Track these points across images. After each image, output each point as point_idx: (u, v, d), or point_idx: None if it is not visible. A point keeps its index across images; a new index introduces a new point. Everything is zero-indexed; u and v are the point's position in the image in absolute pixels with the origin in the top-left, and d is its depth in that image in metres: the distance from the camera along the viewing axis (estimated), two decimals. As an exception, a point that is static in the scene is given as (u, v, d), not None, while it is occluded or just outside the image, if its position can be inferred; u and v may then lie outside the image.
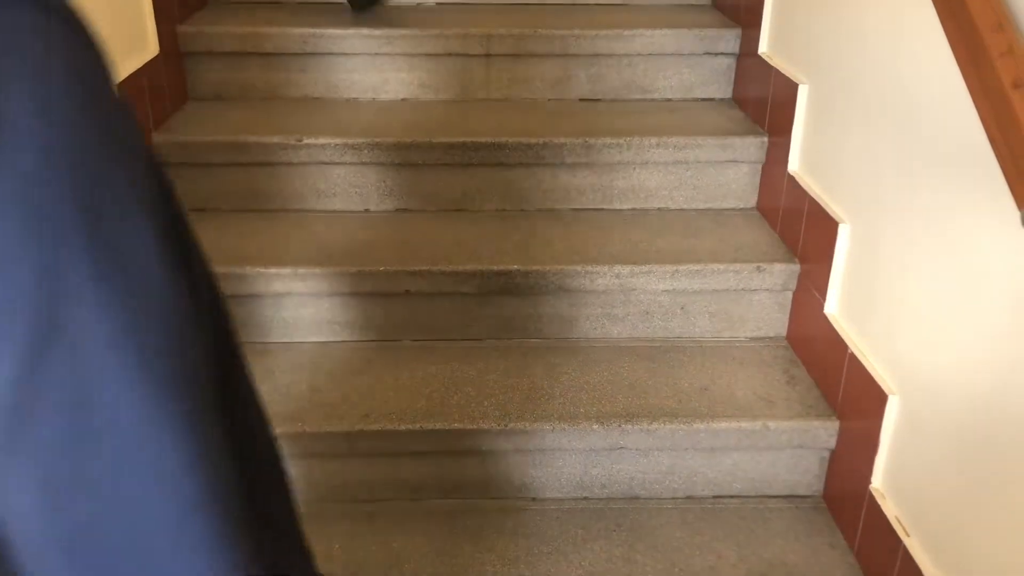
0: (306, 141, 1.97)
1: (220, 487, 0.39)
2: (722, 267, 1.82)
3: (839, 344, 1.63)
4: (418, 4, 2.41)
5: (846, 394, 1.60)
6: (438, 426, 1.61)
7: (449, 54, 2.19)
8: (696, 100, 2.25)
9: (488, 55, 2.19)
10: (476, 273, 1.82)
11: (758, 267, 1.82)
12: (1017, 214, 1.03)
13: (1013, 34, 1.03)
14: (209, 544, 0.39)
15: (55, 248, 0.35)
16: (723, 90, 2.25)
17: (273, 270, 1.80)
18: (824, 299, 1.70)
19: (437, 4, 2.42)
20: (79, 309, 0.36)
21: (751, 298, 1.86)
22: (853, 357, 1.58)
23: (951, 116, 1.27)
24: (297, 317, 1.84)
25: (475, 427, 1.61)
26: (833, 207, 1.69)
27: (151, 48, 2.00)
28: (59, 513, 0.37)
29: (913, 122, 1.40)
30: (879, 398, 1.47)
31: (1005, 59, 1.00)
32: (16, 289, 0.35)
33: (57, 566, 0.37)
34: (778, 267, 1.82)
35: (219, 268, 1.82)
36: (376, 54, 2.18)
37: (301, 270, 1.80)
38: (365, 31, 2.15)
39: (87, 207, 0.36)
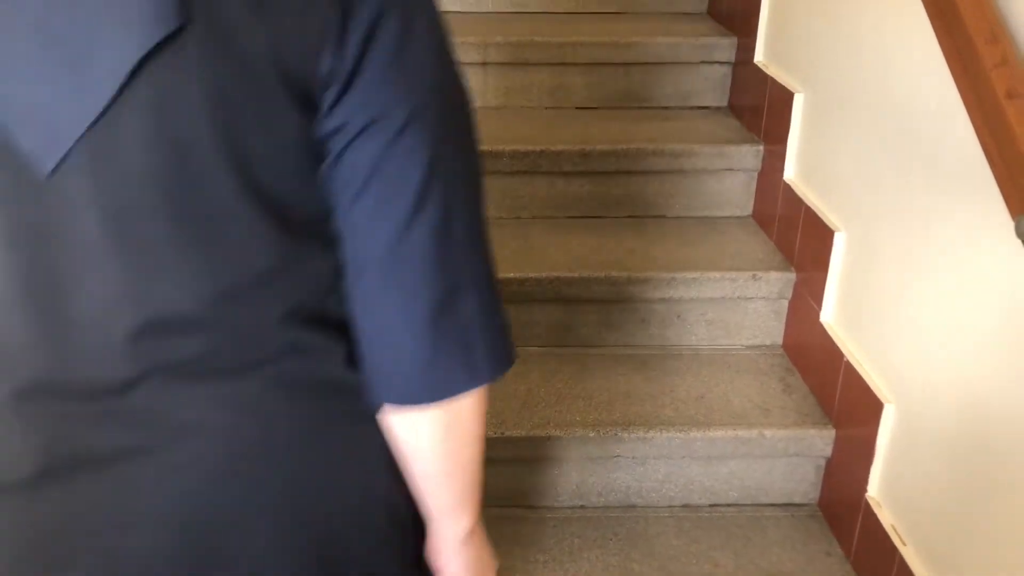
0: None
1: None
2: (718, 275, 1.82)
3: (835, 352, 1.63)
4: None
5: (842, 402, 1.61)
6: (434, 434, 1.61)
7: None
8: (693, 108, 2.26)
9: (485, 63, 2.19)
10: (472, 281, 1.81)
11: (754, 275, 1.82)
12: (1012, 224, 1.03)
13: (1007, 45, 1.03)
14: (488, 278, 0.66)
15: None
16: (719, 98, 2.26)
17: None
18: (820, 307, 1.70)
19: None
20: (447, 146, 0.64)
21: (747, 306, 1.86)
22: (849, 365, 1.58)
23: (946, 126, 1.28)
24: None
25: (471, 435, 1.61)
26: (829, 215, 1.70)
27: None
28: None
29: (908, 131, 1.40)
30: (875, 407, 1.48)
31: (999, 70, 1.00)
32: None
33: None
34: (774, 275, 1.82)
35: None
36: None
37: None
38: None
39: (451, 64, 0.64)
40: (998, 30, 1.06)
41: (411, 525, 0.76)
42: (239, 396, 0.64)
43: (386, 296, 0.63)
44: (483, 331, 0.65)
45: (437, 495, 0.74)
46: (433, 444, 0.69)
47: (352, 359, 0.67)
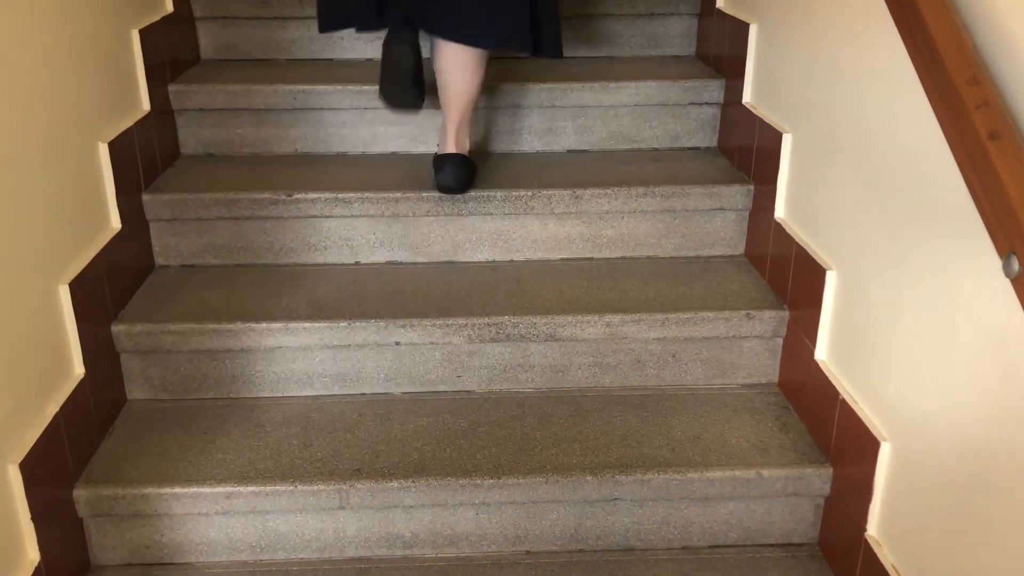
0: (297, 196, 1.99)
1: None
2: (712, 315, 1.83)
3: (830, 390, 1.63)
4: (407, 59, 2.44)
5: (838, 440, 1.60)
6: (430, 480, 1.60)
7: (438, 107, 2.21)
8: (682, 149, 2.28)
9: (476, 107, 2.22)
10: (467, 324, 1.82)
11: (748, 314, 1.83)
12: (998, 259, 1.04)
13: (988, 87, 1.05)
14: None
15: None
16: (708, 139, 2.28)
17: (263, 325, 1.80)
18: (814, 345, 1.70)
19: (426, 59, 2.45)
20: None
21: (742, 345, 1.86)
22: (844, 403, 1.58)
23: (931, 165, 1.29)
24: (288, 371, 1.84)
25: (468, 480, 1.60)
26: (820, 254, 1.71)
27: (142, 107, 2.02)
28: None
29: (895, 171, 1.42)
30: (871, 444, 1.47)
31: (981, 112, 1.02)
32: None
33: None
34: (767, 314, 1.83)
35: (210, 324, 1.83)
36: (366, 108, 2.21)
37: (292, 324, 1.80)
38: (354, 87, 2.18)
39: None
40: (979, 72, 1.08)
41: None
42: None
43: None
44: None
45: None
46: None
47: None
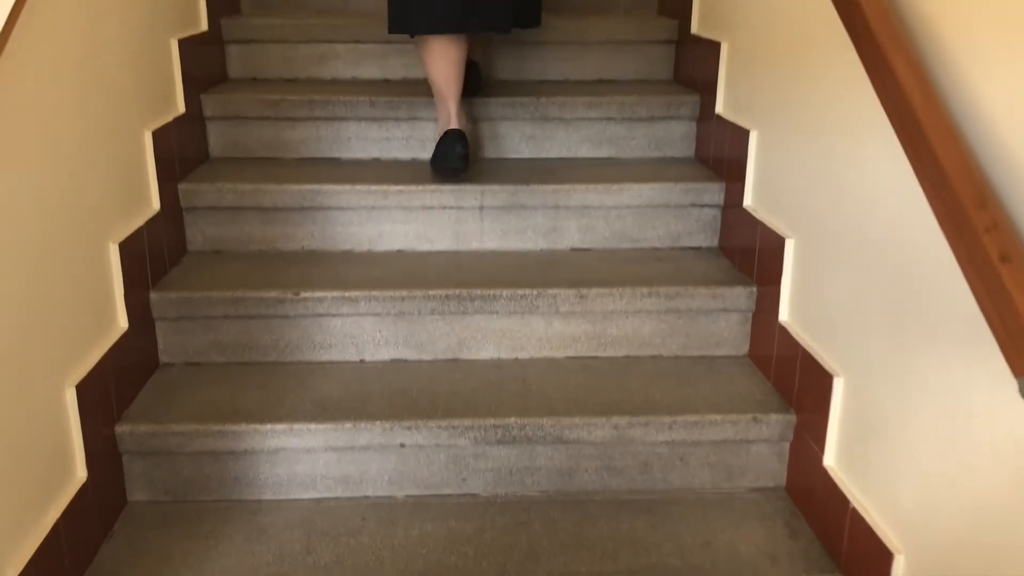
0: (304, 295, 2.00)
1: None
2: (719, 418, 1.83)
3: (840, 498, 1.62)
4: (413, 160, 2.49)
5: (850, 551, 1.58)
6: (437, 589, 1.57)
7: (444, 207, 2.25)
8: (684, 249, 2.31)
9: (482, 208, 2.25)
10: (472, 425, 1.81)
11: (755, 418, 1.83)
12: (1015, 383, 1.05)
13: (996, 210, 1.08)
14: None
15: None
16: (709, 239, 2.32)
17: (268, 426, 1.79)
18: (822, 451, 1.70)
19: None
20: None
21: (749, 448, 1.86)
22: (855, 512, 1.56)
23: (940, 281, 1.31)
24: (291, 474, 1.82)
25: (475, 590, 1.57)
26: (826, 359, 1.72)
27: (153, 205, 2.05)
28: None
29: (903, 283, 1.44)
30: (884, 556, 1.46)
31: (991, 234, 1.04)
32: None
33: None
34: (774, 417, 1.83)
35: (214, 426, 1.81)
36: (373, 208, 2.24)
37: (296, 425, 1.79)
38: (361, 187, 2.22)
39: None
40: (987, 195, 1.10)
41: None
42: None
43: None
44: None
45: None
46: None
47: None
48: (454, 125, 2.24)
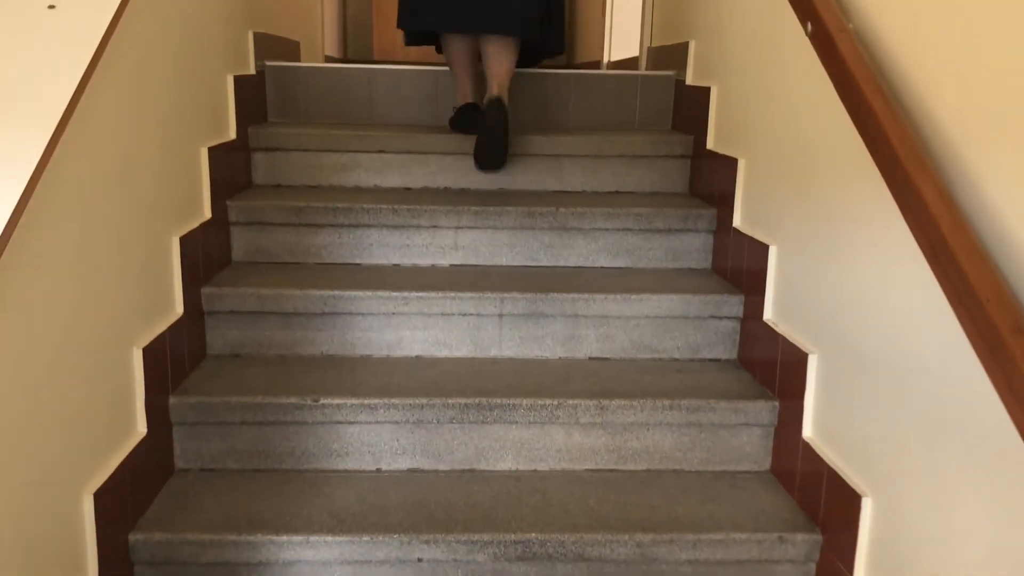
0: (323, 402, 1.98)
1: None
2: (744, 536, 1.79)
3: (873, 624, 1.57)
4: (432, 266, 2.52)
5: None
6: None
7: (463, 314, 2.26)
8: (703, 360, 2.31)
9: (501, 315, 2.26)
10: (492, 540, 1.77)
11: (780, 537, 1.79)
12: (1061, 514, 1.03)
13: (1018, 313, 1.08)
14: None
15: None
16: (728, 351, 2.32)
17: (284, 537, 1.75)
18: (851, 575, 1.65)
19: (451, 266, 2.52)
20: None
21: (774, 569, 1.81)
22: (890, 640, 1.51)
23: (968, 393, 1.31)
24: (306, 587, 1.77)
25: None
26: (854, 478, 1.69)
27: (176, 310, 2.06)
28: None
29: (934, 402, 1.43)
30: None
31: (1016, 338, 1.04)
32: None
33: None
34: (800, 537, 1.79)
35: (229, 536, 1.78)
36: (392, 314, 2.25)
37: (312, 538, 1.75)
38: (383, 293, 2.23)
39: None
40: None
41: None
42: None
43: None
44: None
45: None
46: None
47: None
48: (469, 99, 2.86)
